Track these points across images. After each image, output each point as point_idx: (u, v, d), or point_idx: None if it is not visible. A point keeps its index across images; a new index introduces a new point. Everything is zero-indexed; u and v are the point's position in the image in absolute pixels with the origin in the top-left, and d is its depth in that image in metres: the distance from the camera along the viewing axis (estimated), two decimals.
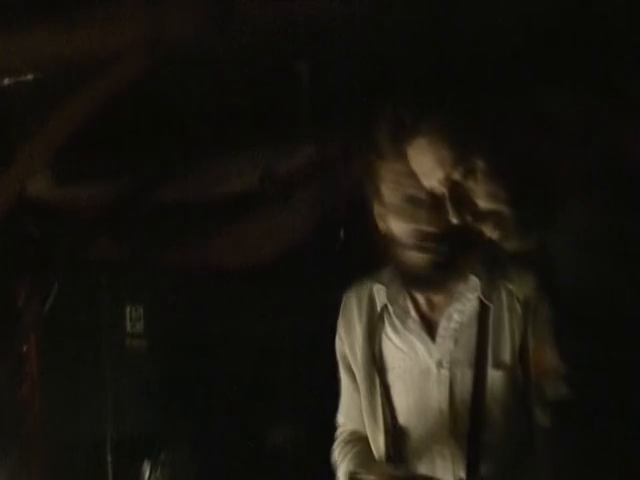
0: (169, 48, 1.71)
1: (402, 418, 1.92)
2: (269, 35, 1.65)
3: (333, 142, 2.10)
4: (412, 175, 1.64)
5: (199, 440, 2.95)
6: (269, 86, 1.91)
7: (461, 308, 1.86)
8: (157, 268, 2.68)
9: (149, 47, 1.71)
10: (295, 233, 2.37)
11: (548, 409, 1.57)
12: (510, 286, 1.79)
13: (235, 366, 2.90)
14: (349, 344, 2.03)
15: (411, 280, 1.87)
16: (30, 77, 1.83)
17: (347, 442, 2.06)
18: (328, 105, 1.90)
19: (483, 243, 1.56)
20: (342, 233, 2.44)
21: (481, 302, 1.83)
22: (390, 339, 1.94)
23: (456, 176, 1.52)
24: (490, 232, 1.53)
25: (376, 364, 1.95)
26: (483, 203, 1.51)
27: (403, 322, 1.92)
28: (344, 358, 2.05)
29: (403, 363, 1.92)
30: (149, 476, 2.82)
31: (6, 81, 1.84)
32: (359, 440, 2.03)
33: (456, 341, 1.85)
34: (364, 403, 1.98)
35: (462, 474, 1.82)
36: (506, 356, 1.79)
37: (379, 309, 1.97)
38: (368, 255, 2.05)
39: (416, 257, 1.80)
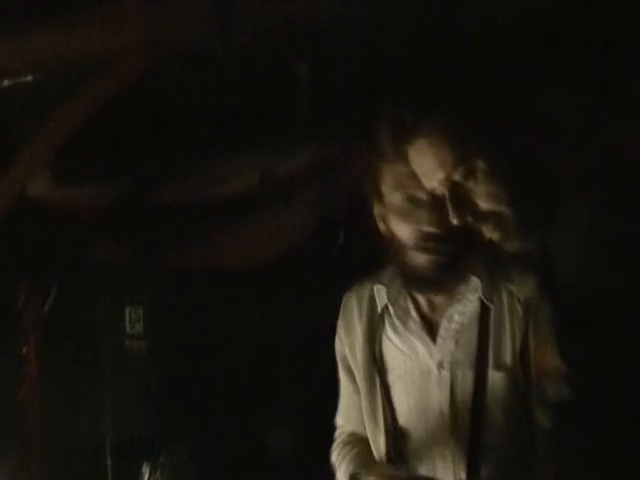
0: (169, 48, 1.71)
1: (402, 419, 1.92)
2: (269, 35, 1.65)
3: (333, 142, 2.10)
4: (413, 176, 1.64)
5: (199, 441, 2.94)
6: (269, 86, 1.91)
7: (462, 309, 1.85)
8: (157, 269, 2.68)
9: (149, 47, 1.71)
10: (295, 234, 2.37)
11: (549, 410, 1.57)
12: (511, 287, 1.79)
13: (235, 367, 2.89)
14: (349, 345, 2.03)
15: (412, 281, 1.87)
16: (30, 78, 1.83)
17: (346, 443, 2.05)
18: (328, 105, 1.89)
19: (484, 244, 1.56)
20: (342, 234, 2.44)
21: (482, 303, 1.83)
22: (390, 340, 1.94)
23: (456, 177, 1.52)
24: (490, 233, 1.53)
25: (376, 365, 1.95)
26: (484, 204, 1.51)
27: (404, 323, 1.92)
28: (344, 359, 2.05)
29: (403, 364, 1.92)
30: (149, 477, 2.81)
31: (6, 82, 1.84)
32: (358, 441, 2.03)
33: (457, 342, 1.85)
34: (364, 404, 1.98)
35: (462, 475, 1.82)
36: (507, 357, 1.79)
37: (379, 310, 1.96)
38: (368, 256, 2.05)
39: (418, 258, 1.79)
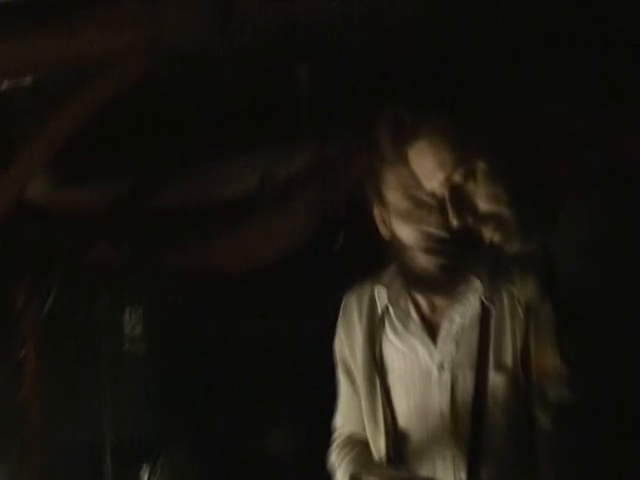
0: (169, 49, 1.71)
1: (402, 420, 1.92)
2: (269, 35, 1.65)
3: (333, 143, 2.10)
4: (414, 177, 1.64)
5: (198, 443, 2.94)
6: (269, 87, 1.91)
7: (463, 310, 1.85)
8: (157, 270, 2.68)
9: (149, 48, 1.71)
10: (295, 235, 2.37)
11: (549, 411, 1.57)
12: (512, 288, 1.79)
13: (235, 368, 2.88)
14: (349, 346, 2.02)
15: (414, 282, 1.87)
16: (30, 79, 1.83)
17: (345, 445, 2.05)
18: (328, 106, 1.89)
19: (484, 245, 1.56)
20: (342, 235, 2.43)
21: (483, 304, 1.83)
22: (390, 341, 1.94)
23: (456, 178, 1.52)
24: (491, 234, 1.53)
25: (376, 366, 1.95)
26: (484, 205, 1.52)
27: (404, 324, 1.92)
28: (343, 361, 2.05)
29: (404, 365, 1.92)
30: (148, 478, 2.81)
31: (6, 84, 1.83)
32: (357, 443, 2.03)
33: (457, 343, 1.85)
34: (364, 405, 1.98)
35: (463, 476, 1.82)
36: (508, 359, 1.79)
37: (380, 311, 1.96)
38: (368, 256, 2.05)
39: (420, 259, 1.80)
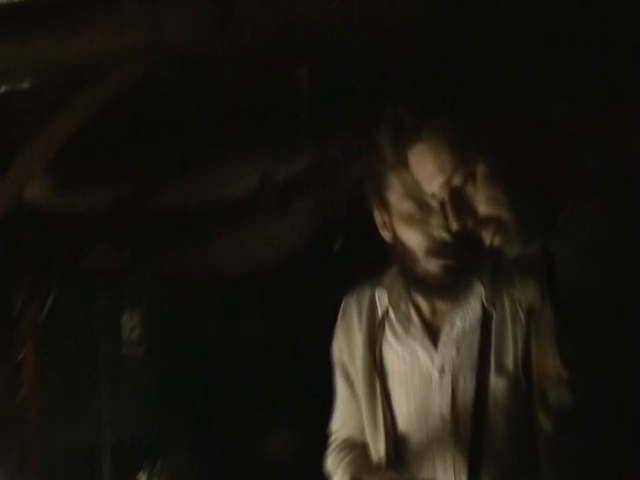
0: (169, 50, 1.71)
1: (403, 423, 1.92)
2: (269, 36, 1.65)
3: (333, 144, 2.10)
4: (416, 180, 1.64)
5: (197, 445, 2.94)
6: (269, 87, 1.91)
7: (464, 314, 1.85)
8: (157, 274, 2.67)
9: (149, 49, 1.71)
10: (295, 236, 2.37)
11: (550, 413, 1.56)
12: (513, 291, 1.79)
13: (234, 371, 2.89)
14: (348, 350, 2.02)
15: (416, 284, 1.87)
16: (30, 81, 1.82)
17: (342, 449, 2.05)
18: (328, 106, 1.89)
19: (485, 248, 1.56)
20: (341, 238, 2.44)
21: (484, 308, 1.83)
22: (391, 345, 1.94)
23: (456, 181, 1.52)
24: (491, 237, 1.53)
25: (376, 369, 1.94)
26: (483, 208, 1.51)
27: (405, 328, 1.92)
28: (342, 363, 2.05)
29: (404, 368, 1.91)
30: None
31: (6, 86, 1.83)
32: (354, 446, 2.03)
33: (458, 347, 1.85)
34: (364, 408, 1.98)
35: (464, 478, 1.82)
36: (509, 362, 1.79)
37: (380, 314, 1.96)
38: (368, 259, 2.05)
39: (428, 263, 1.80)
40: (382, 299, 1.96)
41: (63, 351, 2.73)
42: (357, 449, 2.02)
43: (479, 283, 1.84)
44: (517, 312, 1.79)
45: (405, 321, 1.92)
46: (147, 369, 3.01)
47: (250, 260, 2.47)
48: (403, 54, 1.71)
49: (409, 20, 1.61)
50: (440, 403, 1.85)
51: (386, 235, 1.91)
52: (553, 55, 1.65)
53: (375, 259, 2.00)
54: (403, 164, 1.62)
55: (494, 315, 1.81)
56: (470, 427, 1.81)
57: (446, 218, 1.56)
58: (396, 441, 1.92)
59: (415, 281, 1.87)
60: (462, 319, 1.86)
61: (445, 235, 1.73)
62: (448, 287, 1.84)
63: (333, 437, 2.09)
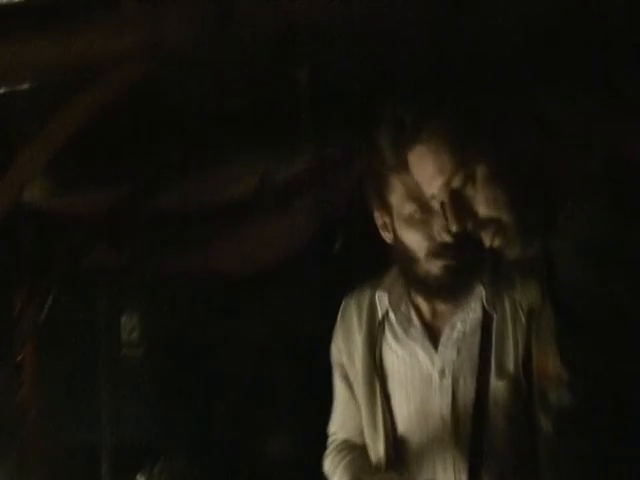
0: (169, 50, 1.71)
1: (402, 425, 1.91)
2: (269, 36, 1.64)
3: (333, 145, 2.10)
4: (416, 182, 1.64)
5: (196, 447, 2.93)
6: (269, 87, 1.91)
7: (464, 316, 1.85)
8: (157, 274, 2.67)
9: (149, 50, 1.70)
10: (295, 237, 2.37)
11: (550, 414, 1.56)
12: (513, 294, 1.78)
13: (234, 372, 2.89)
14: (347, 352, 2.02)
15: (417, 286, 1.87)
16: (29, 82, 1.82)
17: (339, 450, 2.05)
18: (328, 106, 1.89)
19: (485, 250, 1.55)
20: (341, 238, 2.44)
21: (484, 311, 1.83)
22: (390, 347, 1.94)
23: (455, 183, 1.52)
24: (491, 239, 1.52)
25: (376, 371, 1.94)
26: (483, 210, 1.51)
27: (405, 330, 1.91)
28: (341, 367, 2.04)
29: (404, 370, 1.91)
30: None
31: (5, 86, 1.83)
32: (353, 448, 2.03)
33: (459, 349, 1.84)
34: (364, 411, 1.97)
35: (464, 479, 1.81)
36: (509, 364, 1.79)
37: (380, 316, 1.96)
38: (368, 259, 2.05)
39: (430, 265, 1.79)
40: (382, 301, 1.96)
41: (63, 351, 2.73)
42: (356, 450, 2.02)
43: (479, 285, 1.83)
44: (517, 314, 1.78)
45: (405, 323, 1.92)
46: (146, 370, 3.01)
47: (250, 260, 2.46)
48: (403, 54, 1.71)
49: (409, 20, 1.61)
50: (440, 404, 1.85)
51: (386, 236, 1.90)
52: (553, 55, 1.65)
53: (375, 260, 2.00)
54: (403, 165, 1.62)
55: (494, 317, 1.81)
56: (470, 428, 1.80)
57: (446, 219, 1.56)
58: (396, 442, 1.92)
59: (415, 282, 1.87)
60: (462, 321, 1.85)
61: (445, 236, 1.73)
62: (449, 288, 1.84)
63: (331, 438, 2.09)
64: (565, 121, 1.58)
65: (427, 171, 1.56)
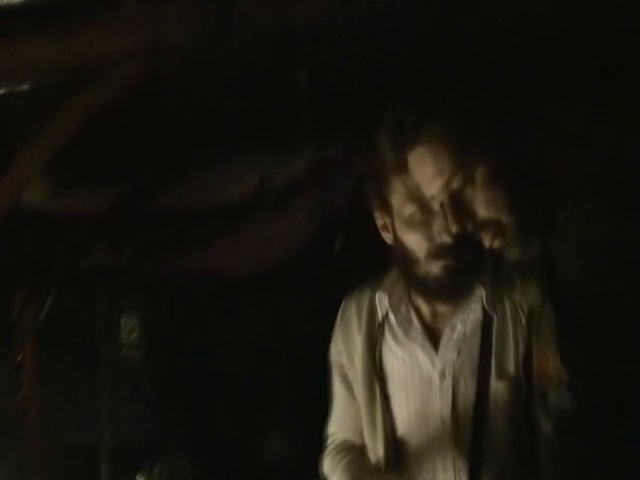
0: (169, 50, 1.71)
1: (402, 426, 1.91)
2: (269, 36, 1.65)
3: (333, 145, 2.10)
4: (416, 183, 1.64)
5: (196, 448, 2.93)
6: (269, 88, 1.91)
7: (464, 317, 1.85)
8: (156, 276, 2.67)
9: (149, 50, 1.71)
10: (295, 237, 2.37)
11: (551, 415, 1.56)
12: (514, 295, 1.78)
13: (233, 372, 2.89)
14: (347, 353, 2.02)
15: (417, 286, 1.87)
16: (29, 82, 1.82)
17: (339, 451, 2.04)
18: (328, 107, 1.89)
19: (485, 251, 1.55)
20: (340, 239, 2.44)
21: (485, 312, 1.82)
22: (390, 348, 1.93)
23: (455, 184, 1.52)
24: (490, 240, 1.52)
25: (376, 373, 1.94)
26: (483, 211, 1.51)
27: (405, 331, 1.91)
28: (340, 368, 2.04)
29: (404, 372, 1.91)
30: None
31: (5, 87, 1.83)
32: (351, 448, 2.02)
33: (459, 350, 1.84)
34: (364, 412, 1.97)
35: None
36: (510, 365, 1.78)
37: (380, 318, 1.96)
38: (368, 260, 2.05)
39: (430, 266, 1.79)
40: (382, 302, 1.95)
41: (62, 353, 2.73)
42: (355, 451, 2.01)
43: (480, 286, 1.83)
44: (518, 315, 1.78)
45: (405, 324, 1.92)
46: (146, 370, 3.01)
47: (250, 260, 2.47)
48: (403, 54, 1.71)
49: (409, 20, 1.61)
50: (440, 406, 1.84)
51: (387, 236, 1.90)
52: (553, 55, 1.65)
53: (375, 260, 2.00)
54: (403, 166, 1.62)
55: (495, 318, 1.81)
56: (470, 429, 1.80)
57: (446, 220, 1.56)
58: (395, 443, 1.91)
59: (415, 283, 1.87)
60: (463, 322, 1.85)
61: (445, 237, 1.73)
62: (449, 289, 1.84)
63: (330, 439, 2.08)
64: (565, 121, 1.58)
65: (427, 172, 1.56)
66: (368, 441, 1.97)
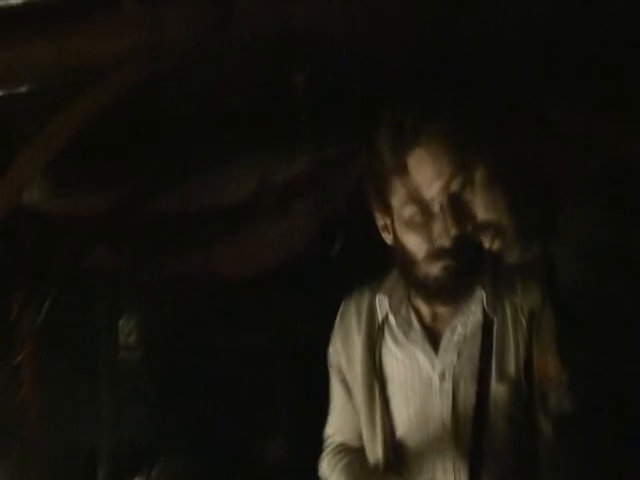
0: (169, 51, 1.71)
1: (402, 428, 1.90)
2: (268, 36, 1.65)
3: (333, 145, 2.10)
4: (415, 185, 1.64)
5: (194, 450, 2.93)
6: (268, 89, 1.91)
7: (465, 319, 1.84)
8: (156, 277, 2.67)
9: (149, 50, 1.71)
10: (295, 239, 2.37)
11: (551, 416, 1.56)
12: (514, 297, 1.78)
13: (233, 375, 2.88)
14: (346, 356, 2.01)
15: (417, 288, 1.86)
16: (29, 83, 1.83)
17: (336, 453, 2.04)
18: (328, 107, 1.89)
19: (485, 253, 1.56)
20: (340, 240, 2.43)
21: (485, 314, 1.82)
22: (390, 350, 1.93)
23: (454, 187, 1.52)
24: (490, 242, 1.53)
25: (376, 375, 1.94)
26: (482, 213, 1.51)
27: (405, 333, 1.91)
28: (339, 369, 2.03)
29: (404, 374, 1.90)
30: None
31: (5, 88, 1.83)
32: (349, 451, 2.02)
33: (459, 353, 1.83)
34: (362, 414, 1.96)
35: None
36: (510, 368, 1.77)
37: (380, 320, 1.96)
38: (368, 261, 2.05)
39: (430, 267, 1.79)
40: (382, 304, 1.95)
41: (61, 354, 2.72)
42: (352, 453, 2.01)
43: (480, 288, 1.83)
44: (518, 317, 1.78)
45: (405, 326, 1.91)
46: (144, 372, 3.00)
47: (250, 263, 2.46)
48: (403, 54, 1.71)
49: (409, 20, 1.61)
50: (441, 408, 1.84)
51: (387, 237, 1.90)
52: (553, 55, 1.66)
53: (374, 262, 2.00)
54: (403, 168, 1.63)
55: (495, 320, 1.81)
56: (471, 430, 1.80)
57: (445, 222, 1.56)
58: (394, 445, 1.91)
59: (415, 284, 1.86)
60: (463, 324, 1.85)
61: (445, 240, 1.73)
62: (449, 290, 1.83)
63: (328, 441, 2.07)
64: (565, 121, 1.58)
65: (426, 174, 1.56)
66: (367, 443, 1.96)
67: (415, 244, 1.79)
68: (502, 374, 1.77)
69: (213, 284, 2.62)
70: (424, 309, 1.91)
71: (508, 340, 1.79)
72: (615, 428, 1.45)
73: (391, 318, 1.93)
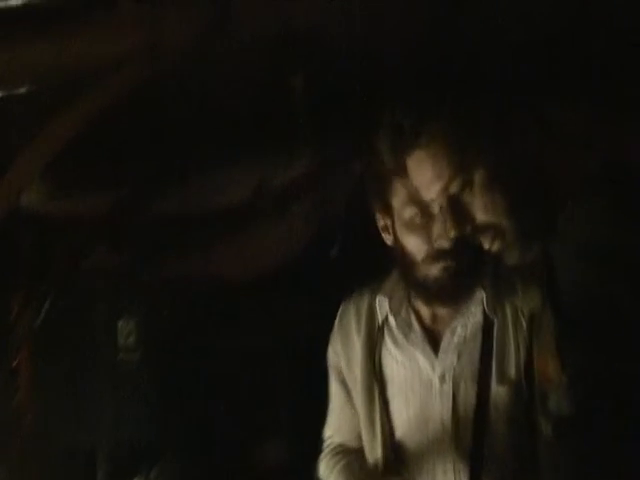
0: (168, 51, 1.71)
1: (401, 430, 1.90)
2: (267, 37, 1.65)
3: (332, 147, 2.10)
4: (415, 187, 1.64)
5: (193, 452, 2.92)
6: (267, 92, 1.91)
7: (465, 321, 1.84)
8: (156, 279, 2.67)
9: (148, 51, 1.71)
10: (294, 241, 2.37)
11: (551, 418, 1.55)
12: (515, 299, 1.78)
13: (232, 377, 2.88)
14: (345, 357, 2.01)
15: (417, 289, 1.86)
16: (29, 85, 1.83)
17: (335, 454, 2.03)
18: (327, 109, 1.89)
19: (486, 256, 1.56)
20: (339, 242, 2.43)
21: (485, 316, 1.82)
22: (390, 352, 1.93)
23: (454, 189, 1.52)
24: (489, 244, 1.53)
25: (376, 376, 1.93)
26: (481, 215, 1.51)
27: (406, 335, 1.90)
28: (338, 371, 2.03)
29: (404, 376, 1.90)
30: None
31: (5, 90, 1.83)
32: (347, 452, 2.01)
33: (459, 354, 1.83)
34: (362, 416, 1.96)
35: None
36: (510, 369, 1.77)
37: (380, 321, 1.95)
38: (367, 264, 2.05)
39: (429, 268, 1.78)
40: (382, 305, 1.95)
41: (59, 357, 2.72)
42: (351, 454, 2.00)
43: (480, 289, 1.83)
44: (519, 320, 1.77)
45: (405, 328, 1.91)
46: (143, 374, 3.00)
47: (249, 265, 2.46)
48: (403, 54, 1.71)
49: (409, 20, 1.61)
50: (441, 409, 1.83)
51: (387, 238, 1.90)
52: (553, 55, 1.66)
53: (373, 264, 2.00)
54: (403, 170, 1.62)
55: (495, 322, 1.81)
56: (471, 432, 1.79)
57: (445, 224, 1.56)
58: (394, 446, 1.90)
59: (415, 285, 1.86)
60: (463, 326, 1.84)
61: (445, 241, 1.73)
62: (448, 291, 1.83)
63: (327, 442, 2.07)
64: (565, 121, 1.58)
65: (426, 176, 1.56)
66: (366, 444, 1.96)
67: (415, 245, 1.79)
68: (502, 375, 1.77)
69: (213, 285, 2.62)
70: (424, 310, 1.90)
71: (508, 341, 1.79)
72: (615, 428, 1.44)
73: (391, 319, 1.93)
